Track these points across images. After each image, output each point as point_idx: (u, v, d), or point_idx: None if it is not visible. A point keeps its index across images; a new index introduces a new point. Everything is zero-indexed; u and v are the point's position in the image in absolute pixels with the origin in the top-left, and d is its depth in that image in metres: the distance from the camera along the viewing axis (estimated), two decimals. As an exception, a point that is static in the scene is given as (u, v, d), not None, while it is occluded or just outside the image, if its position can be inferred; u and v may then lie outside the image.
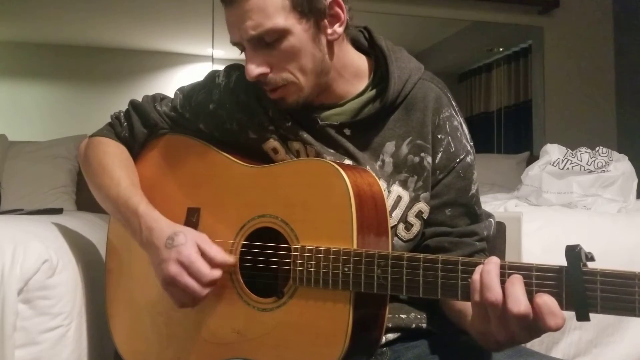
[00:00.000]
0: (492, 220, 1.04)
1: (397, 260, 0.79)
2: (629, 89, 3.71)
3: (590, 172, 2.03)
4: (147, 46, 3.54)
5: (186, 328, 0.99)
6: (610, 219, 1.70)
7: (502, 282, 0.71)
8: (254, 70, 0.92)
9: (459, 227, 0.97)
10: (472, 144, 1.02)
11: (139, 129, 1.10)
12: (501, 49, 4.09)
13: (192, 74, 3.47)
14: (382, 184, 0.96)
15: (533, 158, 3.01)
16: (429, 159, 0.97)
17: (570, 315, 0.68)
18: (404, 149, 0.97)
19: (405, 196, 0.97)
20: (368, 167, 0.96)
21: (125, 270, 1.09)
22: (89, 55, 3.40)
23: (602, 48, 3.78)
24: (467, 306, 0.80)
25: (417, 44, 3.84)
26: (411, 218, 0.97)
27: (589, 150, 2.10)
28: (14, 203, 2.33)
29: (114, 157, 1.08)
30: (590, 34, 3.77)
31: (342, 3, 0.93)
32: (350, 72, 0.99)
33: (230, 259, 0.92)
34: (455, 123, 0.99)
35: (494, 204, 2.03)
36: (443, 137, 0.98)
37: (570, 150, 2.14)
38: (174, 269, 0.89)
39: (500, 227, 1.13)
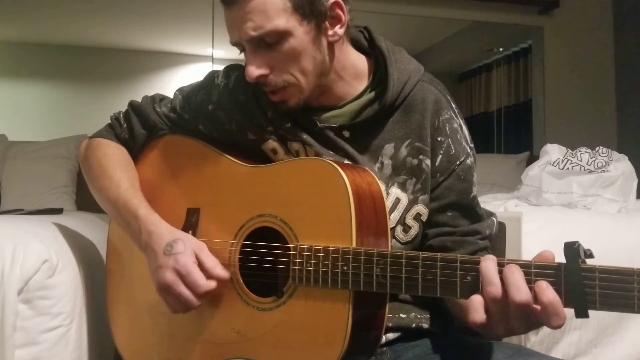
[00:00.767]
0: (494, 219, 1.04)
1: (396, 258, 0.79)
2: (629, 89, 3.71)
3: (590, 172, 2.03)
4: (147, 46, 3.54)
5: (186, 328, 0.99)
6: (610, 219, 1.70)
7: (500, 273, 0.71)
8: (254, 71, 0.92)
9: (461, 227, 0.97)
10: (472, 145, 1.02)
11: (139, 130, 1.10)
12: (501, 49, 4.09)
13: (192, 74, 3.47)
14: (381, 186, 0.96)
15: (533, 158, 3.01)
16: (428, 162, 0.97)
17: (570, 314, 0.68)
18: (403, 151, 0.97)
19: (404, 198, 0.97)
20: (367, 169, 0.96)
21: (126, 271, 1.09)
22: (89, 55, 3.40)
23: (602, 48, 3.78)
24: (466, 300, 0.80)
25: (417, 44, 3.84)
26: (409, 220, 0.97)
27: (589, 150, 2.10)
28: (14, 203, 2.33)
29: (114, 158, 1.08)
30: (590, 34, 3.77)
31: (343, 5, 0.93)
32: (350, 74, 0.99)
33: (225, 273, 0.92)
34: (455, 125, 0.99)
35: (494, 204, 2.03)
36: (443, 139, 0.98)
37: (570, 150, 2.13)
38: (169, 276, 0.90)
39: (500, 227, 1.13)
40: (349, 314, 0.82)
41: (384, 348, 0.96)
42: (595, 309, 0.66)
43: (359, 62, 1.01)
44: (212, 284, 0.90)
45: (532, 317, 0.70)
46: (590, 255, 0.68)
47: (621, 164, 2.04)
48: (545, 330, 1.46)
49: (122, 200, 1.00)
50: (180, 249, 0.91)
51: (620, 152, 2.12)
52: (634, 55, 3.66)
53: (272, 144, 1.01)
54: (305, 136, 0.98)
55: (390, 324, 0.95)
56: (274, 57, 0.92)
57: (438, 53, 4.01)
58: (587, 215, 1.76)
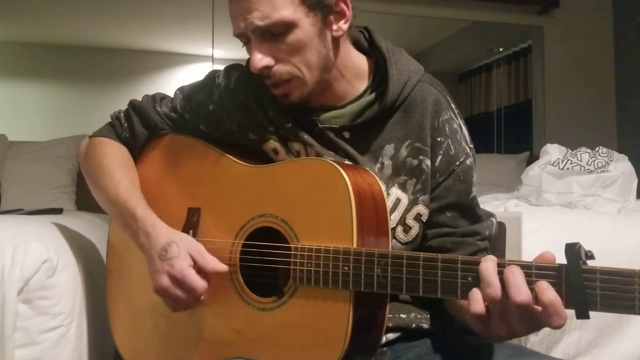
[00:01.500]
0: (493, 219, 1.04)
1: (397, 259, 0.79)
2: (629, 89, 3.71)
3: (590, 172, 2.03)
4: (147, 46, 3.54)
5: (187, 328, 0.99)
6: (610, 219, 1.70)
7: (501, 274, 0.71)
8: (260, 61, 0.91)
9: (461, 228, 0.97)
10: (472, 146, 1.02)
11: (140, 130, 1.10)
12: (501, 49, 4.09)
13: (192, 74, 3.47)
14: (381, 187, 0.96)
15: (533, 158, 3.01)
16: (428, 162, 0.97)
17: (570, 314, 0.68)
18: (403, 151, 0.97)
19: (404, 199, 0.97)
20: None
21: (126, 270, 1.09)
22: (89, 55, 3.40)
23: (602, 48, 3.78)
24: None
25: (417, 44, 3.84)
26: (410, 221, 0.97)
27: (589, 150, 2.10)
28: (14, 203, 2.33)
29: (114, 158, 1.08)
30: (590, 34, 3.76)
31: (347, 0, 0.93)
32: (351, 73, 0.99)
33: (222, 267, 0.92)
34: (455, 126, 0.99)
35: (494, 204, 2.03)
36: (442, 140, 0.98)
37: (570, 150, 2.13)
38: (165, 282, 0.91)
39: (500, 227, 1.13)
40: (349, 314, 0.82)
41: (384, 348, 0.96)
42: (596, 310, 0.66)
43: (360, 61, 1.01)
44: (206, 284, 0.91)
45: (533, 317, 0.70)
46: (592, 257, 0.68)
47: (621, 164, 2.04)
48: (545, 330, 1.46)
49: (121, 200, 1.00)
50: (174, 253, 0.91)
51: (620, 152, 2.12)
52: (634, 55, 3.66)
53: (273, 144, 1.01)
54: (306, 136, 0.98)
55: (390, 324, 0.95)
56: (279, 48, 0.91)
57: (438, 53, 4.01)
58: (587, 215, 1.76)
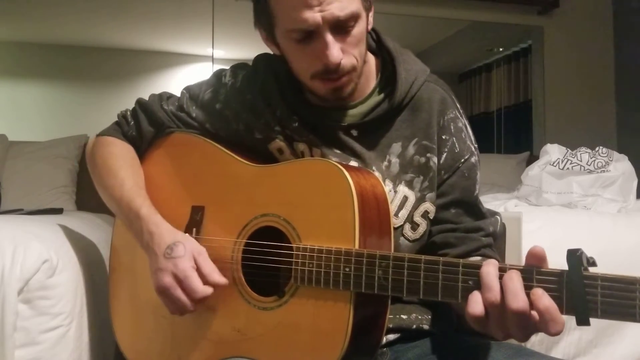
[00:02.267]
0: (498, 217, 1.04)
1: (398, 261, 0.79)
2: (629, 89, 3.71)
3: (590, 172, 2.03)
4: (147, 46, 3.54)
5: (188, 326, 0.99)
6: (610, 219, 1.70)
7: (501, 278, 0.71)
8: (339, 54, 0.89)
9: (465, 224, 0.98)
10: (476, 145, 1.02)
11: (146, 128, 1.10)
12: (501, 49, 4.09)
13: (192, 74, 3.47)
14: (389, 185, 0.96)
15: (533, 158, 3.01)
16: (435, 160, 0.97)
17: (570, 319, 0.68)
18: (411, 149, 0.98)
19: (412, 196, 0.97)
20: (374, 168, 0.97)
21: (129, 268, 1.09)
22: (89, 55, 3.40)
23: (602, 48, 3.78)
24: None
25: (417, 44, 3.84)
26: (417, 218, 0.97)
27: (589, 150, 2.10)
28: (14, 203, 2.33)
29: (119, 157, 1.08)
30: (590, 34, 3.77)
31: None
32: (367, 69, 0.99)
33: (222, 280, 0.92)
34: (460, 124, 1.00)
35: (494, 204, 2.03)
36: (448, 137, 0.98)
37: (570, 150, 2.14)
38: (167, 280, 0.90)
39: (502, 227, 1.13)
40: (349, 315, 0.82)
41: (384, 349, 0.96)
42: (596, 317, 0.66)
43: (371, 60, 1.01)
44: (208, 290, 0.90)
45: (530, 324, 0.69)
46: (593, 264, 0.67)
47: (621, 164, 2.04)
48: (545, 330, 1.46)
49: (126, 200, 1.01)
50: (180, 252, 0.91)
51: (620, 152, 2.12)
52: (634, 55, 3.66)
53: (278, 143, 1.01)
54: (311, 136, 0.98)
55: (391, 325, 0.95)
56: (345, 40, 0.90)
57: (438, 53, 4.01)
58: (587, 215, 1.76)
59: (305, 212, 0.89)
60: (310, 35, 0.88)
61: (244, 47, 3.28)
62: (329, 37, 0.88)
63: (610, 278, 0.66)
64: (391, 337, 0.97)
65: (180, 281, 0.90)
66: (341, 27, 0.88)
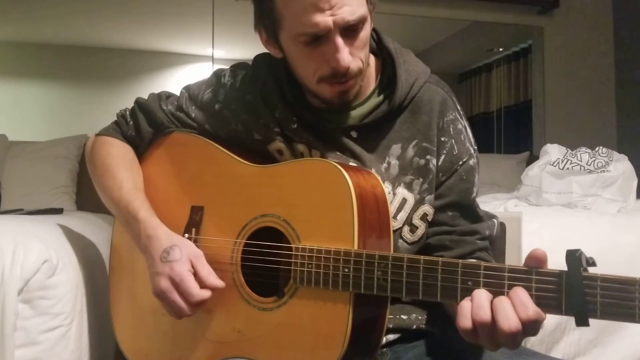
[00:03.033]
0: (495, 221, 1.04)
1: (397, 262, 0.79)
2: (629, 89, 3.71)
3: (590, 172, 2.03)
4: (147, 46, 3.54)
5: (188, 327, 0.99)
6: (610, 219, 1.70)
7: (501, 290, 0.71)
8: (350, 57, 0.89)
9: (461, 227, 0.97)
10: (475, 147, 1.02)
11: (146, 128, 1.10)
12: (501, 49, 4.08)
13: (192, 74, 3.47)
14: (388, 186, 0.96)
15: (533, 158, 3.01)
16: (434, 162, 0.97)
17: (569, 317, 0.68)
18: (410, 151, 0.97)
19: (410, 199, 0.97)
20: (374, 169, 0.96)
21: (129, 268, 1.09)
22: (89, 55, 3.40)
23: (602, 48, 3.78)
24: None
25: (417, 44, 3.84)
26: (416, 221, 0.97)
27: (589, 150, 2.10)
28: (14, 203, 2.33)
29: (118, 158, 1.08)
30: (590, 34, 3.76)
31: None
32: (368, 71, 0.99)
33: (220, 282, 0.91)
34: (460, 126, 1.00)
35: (494, 204, 2.03)
36: (447, 139, 0.98)
37: (570, 150, 2.14)
38: (164, 284, 0.90)
39: (500, 227, 1.13)
40: (349, 316, 0.82)
41: (384, 349, 0.96)
42: (596, 317, 0.66)
43: (371, 61, 1.01)
44: (205, 294, 0.90)
45: (520, 337, 0.70)
46: (593, 264, 0.67)
47: (621, 164, 2.04)
48: (545, 330, 1.46)
49: (124, 202, 1.00)
50: (176, 256, 0.91)
51: (620, 152, 2.12)
52: (634, 55, 3.66)
53: (278, 144, 1.01)
54: (311, 137, 0.98)
55: (390, 325, 0.95)
56: (354, 43, 0.90)
57: (438, 53, 4.01)
58: (587, 215, 1.76)
59: (304, 212, 0.89)
60: (319, 39, 0.88)
61: (244, 47, 3.27)
62: (340, 41, 0.87)
63: (610, 279, 0.65)
64: (391, 337, 0.97)
65: (176, 285, 0.90)
66: (350, 30, 0.88)
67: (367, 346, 0.88)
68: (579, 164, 2.07)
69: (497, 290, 0.72)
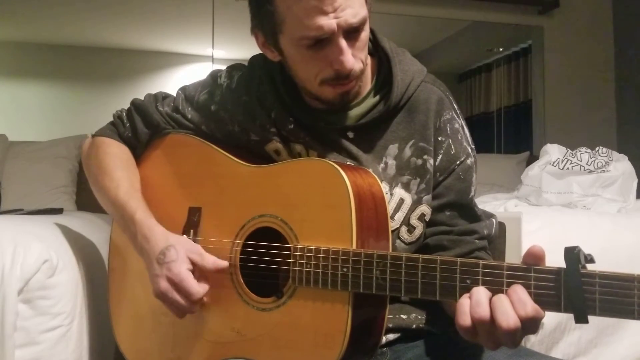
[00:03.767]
0: (493, 220, 1.04)
1: (396, 260, 0.79)
2: (629, 89, 3.71)
3: (590, 172, 2.03)
4: (147, 46, 3.54)
5: (187, 327, 0.99)
6: (610, 219, 1.70)
7: (500, 288, 0.71)
8: (353, 59, 0.89)
9: (459, 226, 0.97)
10: (473, 146, 1.02)
11: (142, 129, 1.10)
12: (501, 49, 4.08)
13: (192, 74, 3.47)
14: (385, 187, 0.95)
15: (533, 158, 3.01)
16: (432, 162, 0.97)
17: (569, 315, 0.68)
18: (407, 151, 0.97)
19: (408, 199, 0.97)
20: (371, 170, 0.96)
21: (128, 269, 1.09)
22: (89, 55, 3.40)
23: (602, 48, 3.78)
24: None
25: (417, 44, 3.84)
26: (414, 221, 0.97)
27: (589, 150, 2.10)
28: (14, 203, 2.33)
29: (115, 158, 1.08)
30: (590, 34, 3.76)
31: None
32: (365, 71, 0.99)
33: (222, 263, 0.92)
34: (457, 126, 0.99)
35: (494, 204, 2.03)
36: (444, 139, 0.98)
37: (570, 150, 2.14)
38: (164, 285, 0.91)
39: (500, 227, 1.13)
40: (348, 315, 0.82)
41: (384, 348, 0.96)
42: (594, 314, 0.66)
43: (368, 61, 1.01)
44: (204, 288, 0.91)
45: (519, 335, 0.70)
46: (591, 261, 0.67)
47: (621, 164, 2.04)
48: (545, 330, 1.46)
49: (121, 202, 1.00)
50: (172, 256, 0.91)
51: (620, 152, 2.12)
52: (634, 55, 3.66)
53: (275, 145, 1.01)
54: (308, 138, 0.98)
55: (390, 325, 0.95)
56: (355, 45, 0.90)
57: (438, 53, 4.01)
58: (587, 215, 1.76)
59: (302, 212, 0.89)
60: (322, 42, 0.87)
61: (244, 47, 3.27)
62: (344, 44, 0.87)
63: (608, 275, 0.66)
64: (391, 336, 0.96)
65: (176, 285, 0.90)
66: (353, 32, 0.88)
67: (367, 345, 0.88)
68: (579, 164, 2.07)
69: (495, 288, 0.72)
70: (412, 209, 0.96)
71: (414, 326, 0.97)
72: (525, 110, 3.86)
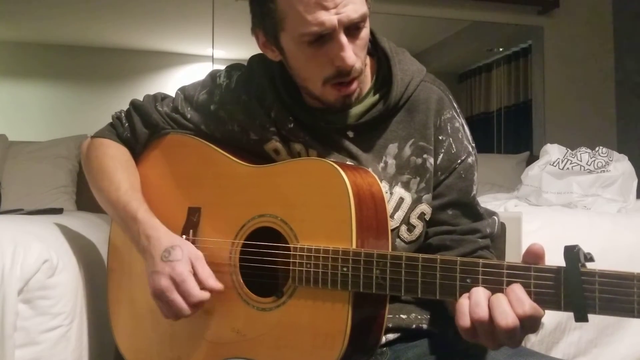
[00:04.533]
0: (496, 218, 1.04)
1: (396, 260, 0.79)
2: (629, 89, 3.71)
3: (590, 172, 2.03)
4: (147, 46, 3.54)
5: (187, 327, 0.99)
6: (610, 219, 1.70)
7: (500, 287, 0.71)
8: (354, 56, 0.88)
9: (462, 226, 0.97)
10: (473, 145, 1.02)
11: (141, 129, 1.10)
12: (501, 49, 4.09)
13: (192, 74, 3.47)
14: (385, 186, 0.95)
15: (533, 158, 3.01)
16: (432, 160, 0.97)
17: (569, 315, 0.68)
18: (407, 150, 0.97)
19: (408, 198, 0.97)
20: (370, 169, 0.96)
21: (127, 269, 1.09)
22: (89, 55, 3.40)
23: (602, 48, 3.78)
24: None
25: (417, 44, 3.84)
26: (413, 220, 0.97)
27: (589, 150, 2.10)
28: (14, 203, 2.34)
29: (115, 159, 1.08)
30: (590, 34, 3.77)
31: None
32: (365, 71, 0.99)
33: (218, 285, 0.91)
34: (457, 124, 0.99)
35: (494, 204, 2.03)
36: (444, 138, 0.98)
37: (570, 150, 2.14)
38: (165, 283, 0.90)
39: (501, 227, 1.13)
40: (348, 315, 0.82)
41: (384, 348, 0.96)
42: (594, 313, 0.66)
43: (367, 61, 1.01)
44: (205, 295, 0.90)
45: (519, 335, 0.70)
46: (591, 259, 0.67)
47: (621, 164, 2.05)
48: (545, 330, 1.46)
49: (122, 203, 1.00)
50: (177, 256, 0.91)
51: (620, 152, 2.12)
52: (634, 55, 3.66)
53: (274, 144, 1.01)
54: (307, 137, 0.98)
55: (390, 325, 0.95)
56: (356, 42, 0.89)
57: (438, 53, 4.01)
58: (587, 215, 1.76)
59: (302, 212, 0.89)
60: (323, 38, 0.87)
61: (244, 47, 3.27)
62: (344, 40, 0.87)
63: (608, 274, 0.66)
64: (391, 336, 0.97)
65: (177, 284, 0.90)
66: (353, 29, 0.88)
67: (367, 345, 0.88)
68: (579, 164, 2.07)
69: (495, 287, 0.72)
70: (411, 208, 0.96)
71: (414, 326, 0.97)
72: (525, 110, 3.86)
